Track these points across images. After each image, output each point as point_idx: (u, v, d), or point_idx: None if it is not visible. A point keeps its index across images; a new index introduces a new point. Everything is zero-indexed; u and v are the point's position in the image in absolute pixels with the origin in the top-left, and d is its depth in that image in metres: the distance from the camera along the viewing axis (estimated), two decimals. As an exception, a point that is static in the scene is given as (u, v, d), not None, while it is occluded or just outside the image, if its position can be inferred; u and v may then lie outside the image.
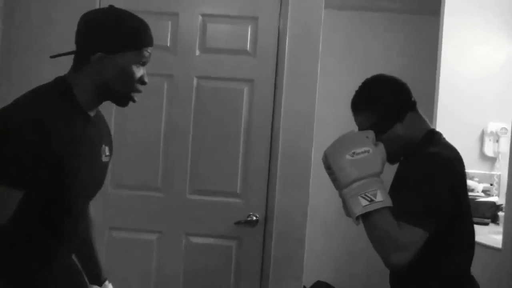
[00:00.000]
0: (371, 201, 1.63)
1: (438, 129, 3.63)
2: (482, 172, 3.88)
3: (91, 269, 1.94)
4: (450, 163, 1.72)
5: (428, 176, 1.68)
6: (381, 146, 1.71)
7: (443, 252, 1.75)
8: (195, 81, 3.00)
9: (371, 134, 1.74)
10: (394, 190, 1.78)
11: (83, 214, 1.83)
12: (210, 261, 3.01)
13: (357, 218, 1.66)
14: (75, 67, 1.63)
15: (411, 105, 1.83)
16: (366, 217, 1.65)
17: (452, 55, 3.79)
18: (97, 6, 2.89)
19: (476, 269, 1.91)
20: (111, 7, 1.64)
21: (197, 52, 2.99)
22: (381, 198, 1.63)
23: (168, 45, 2.92)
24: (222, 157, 3.01)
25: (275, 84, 2.98)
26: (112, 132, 1.99)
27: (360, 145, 1.69)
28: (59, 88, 1.61)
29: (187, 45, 2.98)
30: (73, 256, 1.88)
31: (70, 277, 1.79)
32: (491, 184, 3.84)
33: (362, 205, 1.63)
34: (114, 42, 1.59)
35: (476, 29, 3.79)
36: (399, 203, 1.66)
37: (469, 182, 3.60)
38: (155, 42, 1.71)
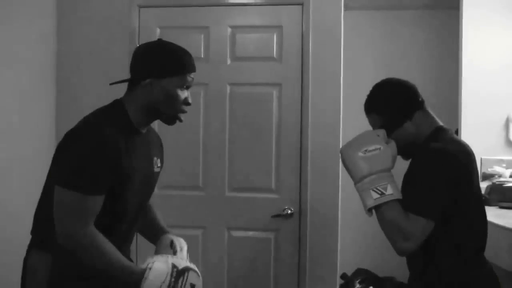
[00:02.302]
0: (382, 194, 1.63)
1: (464, 120, 3.47)
2: (509, 158, 3.42)
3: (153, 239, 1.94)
4: (451, 157, 1.66)
5: (429, 170, 1.65)
6: (392, 143, 1.71)
7: (453, 236, 1.68)
8: (228, 87, 2.98)
9: (382, 132, 1.73)
10: (405, 183, 1.75)
11: (141, 213, 1.85)
12: (250, 253, 2.97)
13: (369, 210, 1.67)
14: (129, 91, 1.72)
15: (419, 105, 1.79)
16: (377, 209, 1.66)
17: (474, 47, 3.38)
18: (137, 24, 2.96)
19: (502, 251, 1.85)
20: (159, 40, 1.73)
21: (228, 61, 2.98)
22: (391, 191, 1.63)
23: (202, 56, 2.93)
24: (257, 156, 2.97)
25: (301, 86, 2.92)
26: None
27: (371, 143, 1.69)
28: (115, 110, 1.69)
29: (219, 55, 2.97)
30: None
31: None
32: (519, 169, 3.51)
33: (373, 198, 1.64)
34: (161, 69, 1.66)
35: (496, 20, 3.32)
36: (407, 195, 1.66)
37: (497, 168, 3.30)
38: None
